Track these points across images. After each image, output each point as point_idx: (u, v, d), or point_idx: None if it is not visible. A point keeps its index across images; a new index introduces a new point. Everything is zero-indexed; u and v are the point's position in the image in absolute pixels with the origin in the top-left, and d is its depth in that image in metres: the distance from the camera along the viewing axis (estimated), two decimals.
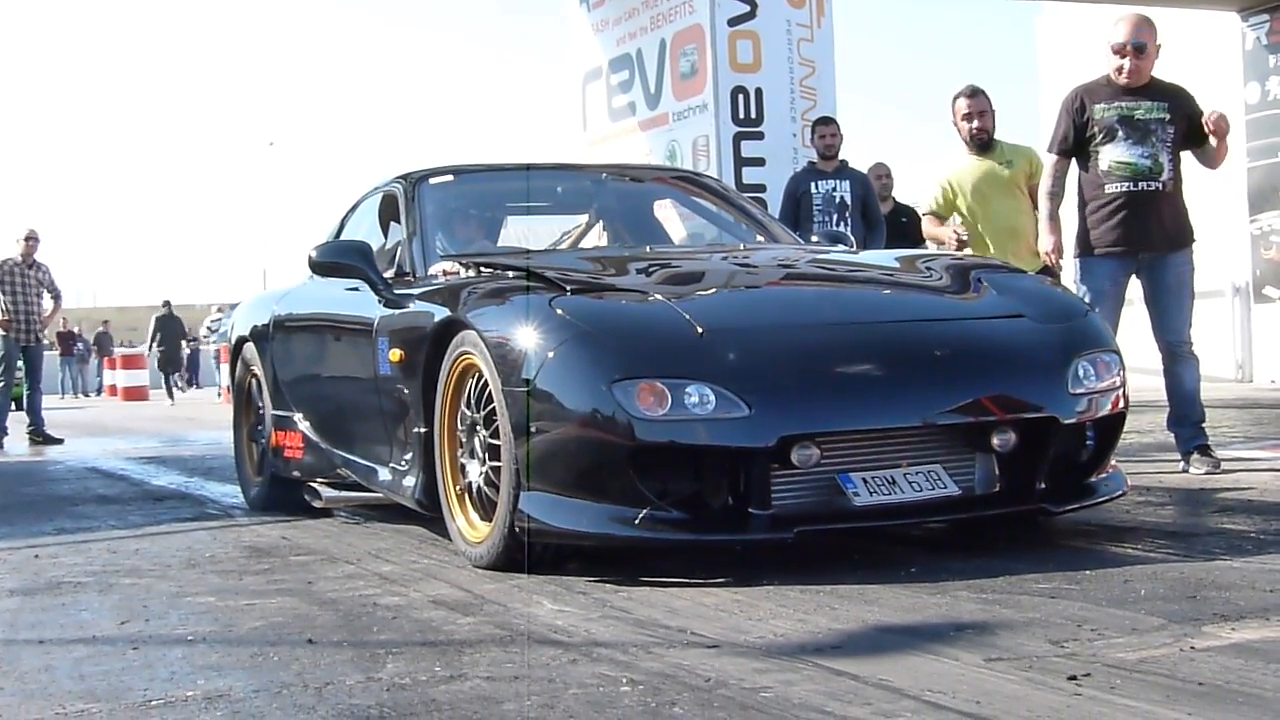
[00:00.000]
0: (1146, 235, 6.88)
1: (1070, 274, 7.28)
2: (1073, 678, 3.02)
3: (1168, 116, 6.87)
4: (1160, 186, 6.85)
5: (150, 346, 30.81)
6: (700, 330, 4.55)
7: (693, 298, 4.90)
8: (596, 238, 6.81)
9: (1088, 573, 4.20)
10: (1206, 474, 6.65)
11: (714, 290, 5.19)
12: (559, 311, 4.60)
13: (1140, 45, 6.89)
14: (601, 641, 3.58)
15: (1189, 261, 6.96)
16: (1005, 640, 3.40)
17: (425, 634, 3.78)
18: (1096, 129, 6.95)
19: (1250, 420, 9.34)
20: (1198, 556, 4.45)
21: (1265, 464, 7.04)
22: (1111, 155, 6.92)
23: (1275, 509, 5.47)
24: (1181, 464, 6.86)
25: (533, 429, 4.44)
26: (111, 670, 3.50)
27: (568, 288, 4.80)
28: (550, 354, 4.46)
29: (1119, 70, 6.93)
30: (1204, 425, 6.93)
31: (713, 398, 4.31)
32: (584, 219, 6.96)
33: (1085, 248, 7.00)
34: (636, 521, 4.33)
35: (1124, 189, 6.88)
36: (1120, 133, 6.89)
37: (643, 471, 4.34)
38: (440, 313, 5.11)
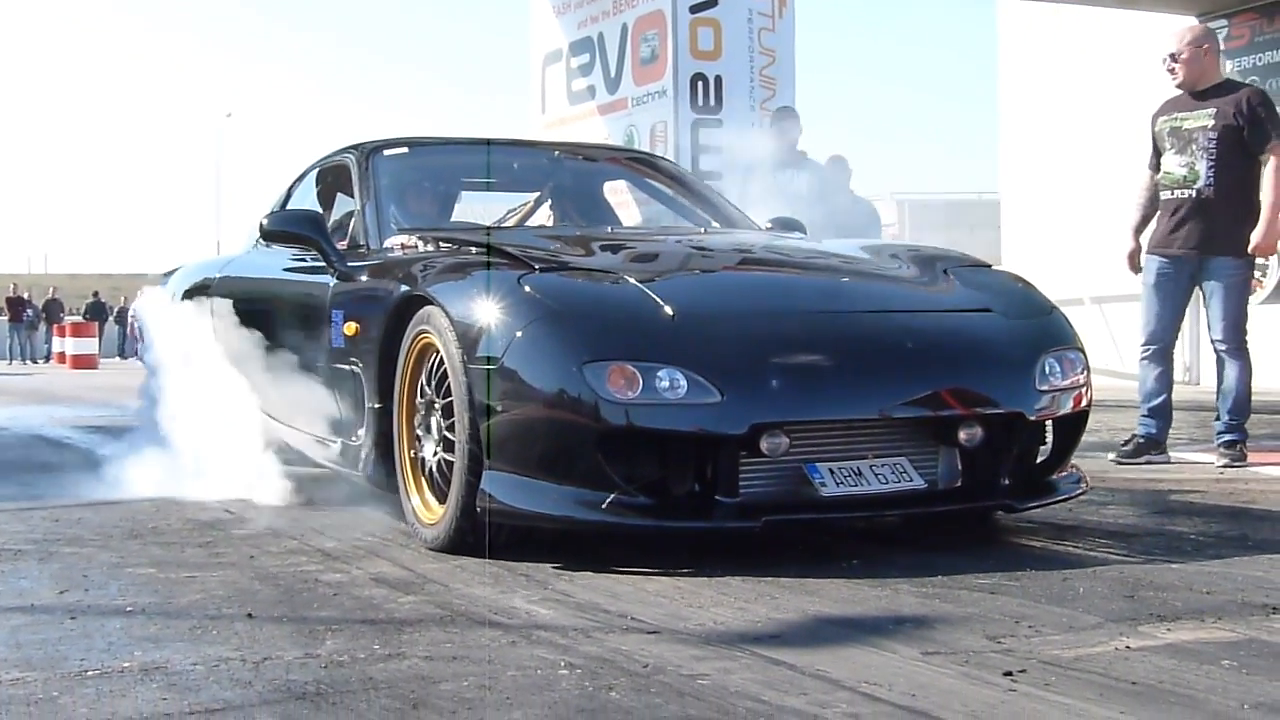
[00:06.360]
0: (1184, 240, 7.31)
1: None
2: (1008, 673, 3.04)
3: (1211, 123, 7.24)
4: (1194, 194, 7.27)
5: None
6: (671, 314, 4.51)
7: (662, 280, 4.85)
8: (545, 217, 6.78)
9: (1028, 570, 4.23)
10: (1224, 466, 7.06)
11: (683, 273, 5.17)
12: (527, 289, 4.55)
13: (1174, 54, 7.41)
14: (541, 624, 3.58)
15: (1231, 268, 7.28)
16: (943, 635, 3.42)
17: (365, 612, 3.77)
18: (1157, 142, 7.49)
19: (1195, 423, 9.40)
20: (1137, 557, 4.49)
21: (1208, 467, 7.10)
22: (1164, 165, 7.44)
23: (1215, 511, 5.52)
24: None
25: (498, 408, 4.40)
26: (48, 639, 3.48)
27: (536, 265, 4.76)
28: (519, 333, 4.40)
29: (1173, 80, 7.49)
30: (1239, 423, 7.25)
31: (684, 382, 4.27)
32: (531, 197, 6.92)
33: (1150, 247, 7.52)
34: (604, 506, 4.29)
35: (1166, 196, 7.41)
36: (1168, 143, 7.40)
37: (610, 455, 4.30)
38: (400, 287, 5.06)
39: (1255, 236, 7.14)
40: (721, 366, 4.36)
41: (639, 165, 7.49)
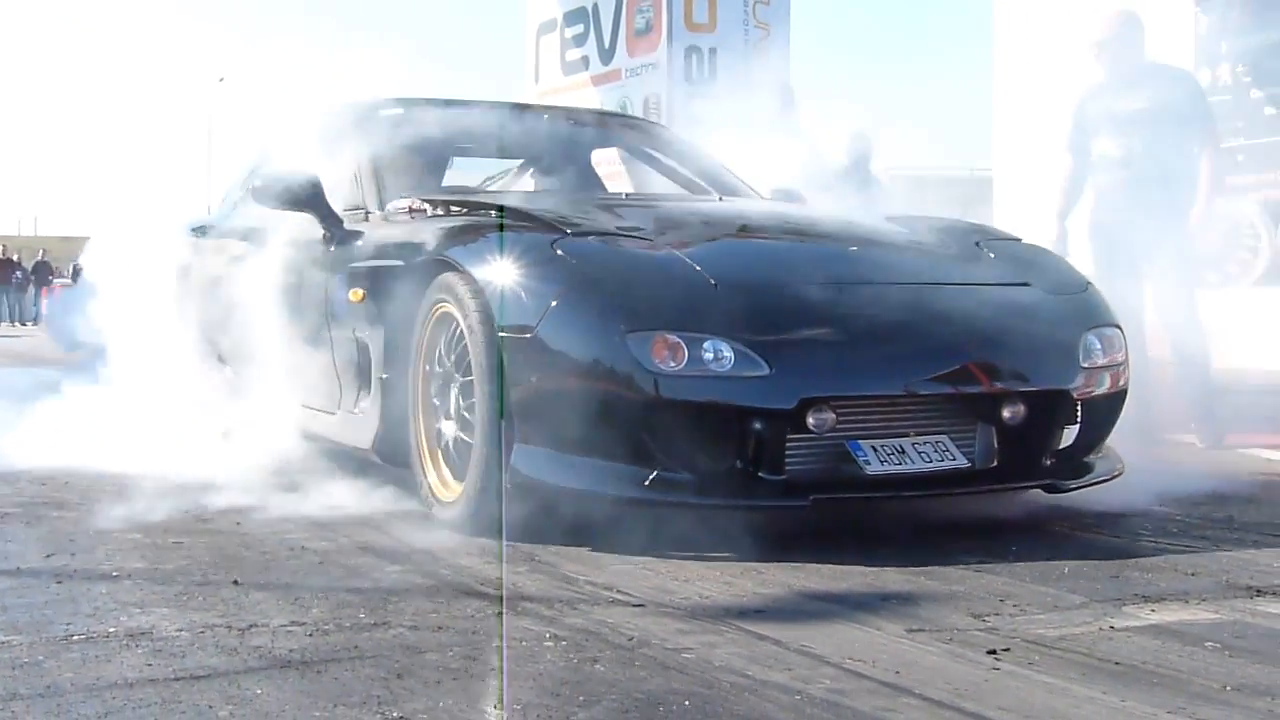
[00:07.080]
0: (1125, 222, 7.21)
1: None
2: (992, 651, 3.05)
3: (1146, 105, 7.22)
4: (1133, 176, 7.20)
5: None
6: (713, 282, 4.36)
7: (698, 247, 4.65)
8: (528, 183, 6.70)
9: (1014, 549, 4.24)
10: (1207, 447, 7.02)
11: (715, 241, 4.95)
12: (560, 253, 4.37)
13: (1102, 40, 7.41)
14: (527, 595, 3.59)
15: (1174, 249, 7.13)
16: (928, 612, 3.43)
17: (352, 580, 3.77)
18: (1090, 125, 7.43)
19: (1181, 404, 9.38)
20: (1124, 537, 4.50)
21: (1193, 448, 7.10)
22: (1098, 148, 7.39)
23: (1203, 494, 5.52)
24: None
25: (531, 380, 4.23)
26: (34, 603, 3.48)
27: (567, 230, 4.57)
28: (554, 301, 4.21)
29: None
30: (1210, 401, 7.17)
31: (730, 354, 4.10)
32: (515, 164, 6.82)
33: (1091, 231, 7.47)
34: (646, 483, 4.12)
35: (1104, 178, 7.36)
36: (1103, 126, 7.35)
37: (651, 429, 4.13)
38: (416, 253, 4.85)
39: (1192, 218, 7.12)
40: (768, 338, 4.20)
41: (636, 131, 7.31)
